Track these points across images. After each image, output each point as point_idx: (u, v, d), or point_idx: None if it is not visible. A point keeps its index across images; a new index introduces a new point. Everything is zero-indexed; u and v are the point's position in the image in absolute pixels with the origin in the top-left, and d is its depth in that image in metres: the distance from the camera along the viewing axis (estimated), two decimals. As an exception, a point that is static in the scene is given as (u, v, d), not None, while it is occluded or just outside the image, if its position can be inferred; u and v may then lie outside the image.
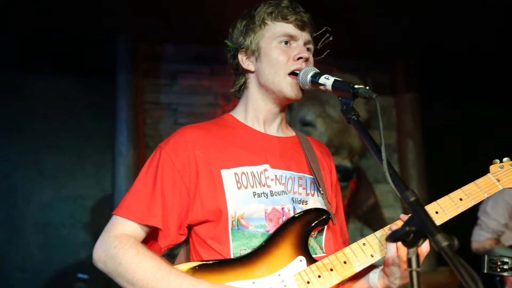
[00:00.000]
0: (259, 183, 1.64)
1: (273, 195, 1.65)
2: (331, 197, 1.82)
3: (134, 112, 4.46)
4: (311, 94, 1.87)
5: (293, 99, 1.72)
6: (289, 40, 1.71)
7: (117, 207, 1.63)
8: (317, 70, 1.66)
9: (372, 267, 1.65)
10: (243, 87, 1.80)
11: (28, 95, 4.42)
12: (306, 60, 1.71)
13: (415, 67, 5.26)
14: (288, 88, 1.69)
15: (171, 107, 4.73)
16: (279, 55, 1.70)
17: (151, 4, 3.96)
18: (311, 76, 1.63)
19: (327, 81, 1.56)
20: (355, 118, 1.42)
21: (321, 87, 1.58)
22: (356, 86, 1.43)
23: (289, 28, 1.71)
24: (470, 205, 1.65)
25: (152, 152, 1.70)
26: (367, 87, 1.42)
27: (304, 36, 1.73)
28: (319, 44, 1.80)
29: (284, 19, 1.71)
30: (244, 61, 1.77)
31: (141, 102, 4.57)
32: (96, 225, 4.37)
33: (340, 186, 1.94)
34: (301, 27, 1.72)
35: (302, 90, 1.71)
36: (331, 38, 1.78)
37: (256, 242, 1.59)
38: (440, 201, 1.65)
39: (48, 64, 4.43)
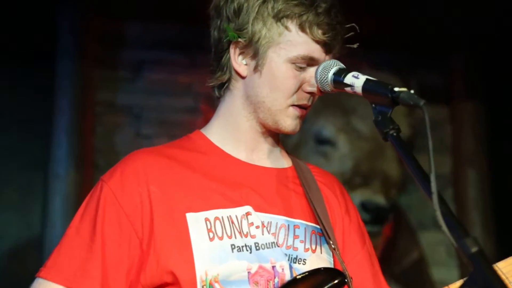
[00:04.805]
0: (240, 233, 1.67)
1: (259, 249, 1.67)
2: (351, 247, 1.84)
3: (79, 116, 4.47)
4: (331, 99, 1.90)
5: (288, 133, 1.78)
6: (307, 64, 1.73)
7: (41, 267, 1.64)
8: (342, 65, 1.68)
9: None
10: (225, 87, 1.82)
11: None
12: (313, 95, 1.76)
13: (480, 64, 5.30)
14: (286, 121, 1.75)
15: (133, 111, 4.75)
16: (288, 78, 1.72)
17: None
18: (334, 74, 1.65)
19: (356, 80, 1.57)
20: (395, 134, 1.42)
21: (347, 88, 1.60)
22: (396, 89, 1.43)
23: (315, 49, 1.71)
24: None
25: (94, 186, 1.72)
26: (412, 91, 1.43)
27: (326, 60, 1.74)
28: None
29: (313, 34, 1.70)
30: (237, 58, 1.78)
31: (90, 102, 4.59)
32: (15, 277, 4.33)
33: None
34: (328, 50, 1.74)
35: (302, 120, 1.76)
36: (355, 46, 1.80)
37: None
38: (502, 263, 1.62)
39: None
